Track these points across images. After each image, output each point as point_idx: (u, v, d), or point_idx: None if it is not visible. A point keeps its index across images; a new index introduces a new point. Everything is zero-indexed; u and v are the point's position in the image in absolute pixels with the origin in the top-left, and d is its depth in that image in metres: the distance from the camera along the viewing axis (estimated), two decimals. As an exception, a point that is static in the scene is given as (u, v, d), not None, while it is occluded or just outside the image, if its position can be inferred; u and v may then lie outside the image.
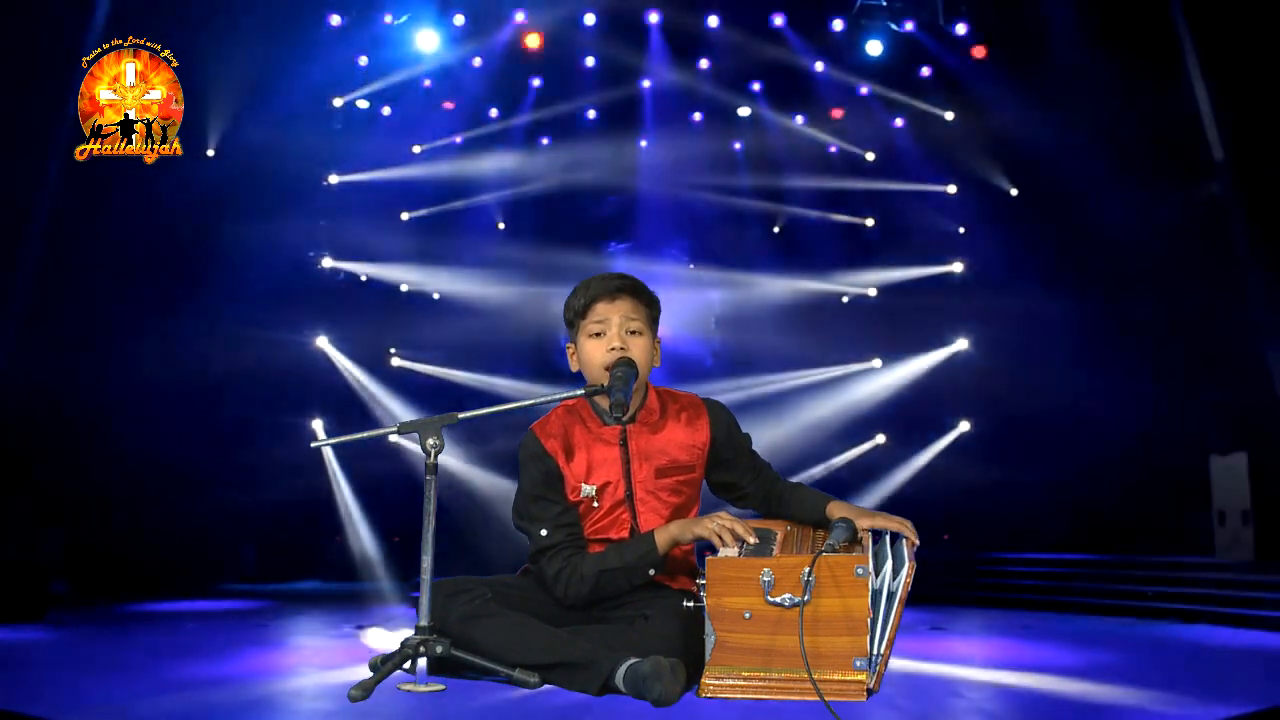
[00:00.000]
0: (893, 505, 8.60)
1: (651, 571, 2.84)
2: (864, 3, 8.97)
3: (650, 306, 2.99)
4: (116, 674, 3.25)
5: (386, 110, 9.36)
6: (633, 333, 2.92)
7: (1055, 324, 8.63)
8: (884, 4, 9.01)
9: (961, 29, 8.91)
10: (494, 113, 9.60)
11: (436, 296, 9.79)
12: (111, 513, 7.82)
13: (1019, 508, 8.45)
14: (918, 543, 2.73)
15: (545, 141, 9.81)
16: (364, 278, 9.58)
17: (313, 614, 6.00)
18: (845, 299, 9.99)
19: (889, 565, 2.55)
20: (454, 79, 9.22)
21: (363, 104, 9.26)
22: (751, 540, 2.72)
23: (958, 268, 9.65)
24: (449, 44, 8.90)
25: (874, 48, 9.13)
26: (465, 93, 9.32)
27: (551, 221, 9.95)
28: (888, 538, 2.71)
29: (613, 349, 2.89)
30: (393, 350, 9.63)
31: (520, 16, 8.85)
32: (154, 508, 8.07)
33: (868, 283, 9.91)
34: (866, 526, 2.75)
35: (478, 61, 9.12)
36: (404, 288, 9.75)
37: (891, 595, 2.52)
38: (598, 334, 2.92)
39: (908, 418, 9.65)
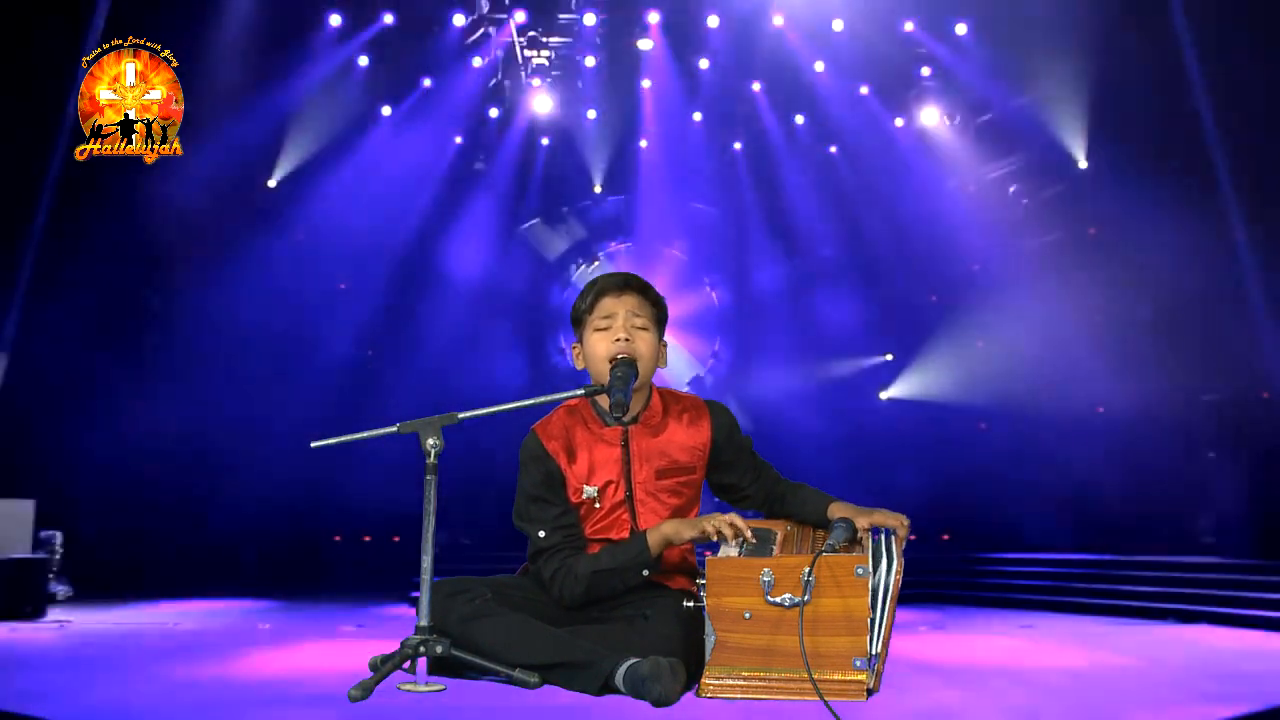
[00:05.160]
0: (893, 504, 8.59)
1: (645, 572, 2.83)
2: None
3: (657, 306, 2.98)
4: (116, 674, 3.25)
5: (387, 110, 9.37)
6: (638, 328, 2.92)
7: (1056, 323, 8.63)
8: None
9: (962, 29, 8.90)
10: (494, 113, 9.59)
11: (434, 295, 9.78)
12: (111, 513, 7.82)
13: (1019, 508, 8.45)
14: (910, 537, 2.74)
15: (545, 142, 9.80)
16: (363, 277, 9.57)
17: (313, 614, 5.99)
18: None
19: (884, 563, 2.56)
20: (453, 78, 9.22)
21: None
22: (751, 537, 2.72)
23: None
24: (450, 43, 8.92)
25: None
26: (463, 92, 9.32)
27: (551, 221, 9.94)
28: (883, 535, 2.71)
29: (617, 340, 2.88)
30: (385, 351, 9.63)
31: (520, 17, 8.85)
32: (154, 508, 8.07)
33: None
34: (865, 525, 2.75)
35: (478, 61, 9.12)
36: (403, 287, 9.75)
37: (885, 592, 2.53)
38: (603, 328, 2.92)
39: (907, 417, 9.63)
